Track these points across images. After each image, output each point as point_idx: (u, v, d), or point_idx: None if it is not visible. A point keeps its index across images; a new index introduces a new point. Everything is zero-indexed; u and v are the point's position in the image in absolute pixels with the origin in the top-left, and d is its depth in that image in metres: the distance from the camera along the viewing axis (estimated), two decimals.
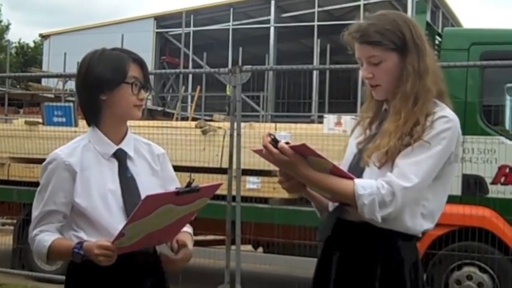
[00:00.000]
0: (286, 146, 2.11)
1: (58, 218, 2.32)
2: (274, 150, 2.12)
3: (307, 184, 2.23)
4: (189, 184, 2.14)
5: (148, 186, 2.29)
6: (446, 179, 2.28)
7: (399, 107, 2.24)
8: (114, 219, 2.25)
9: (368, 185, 2.13)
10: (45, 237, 2.30)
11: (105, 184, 2.29)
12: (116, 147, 2.35)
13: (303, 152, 2.13)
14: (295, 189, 2.28)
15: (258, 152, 2.20)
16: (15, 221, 8.27)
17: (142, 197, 2.21)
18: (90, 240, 2.24)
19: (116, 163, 2.34)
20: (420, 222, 2.23)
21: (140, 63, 2.36)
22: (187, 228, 2.44)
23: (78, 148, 2.34)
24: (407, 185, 2.12)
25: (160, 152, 2.47)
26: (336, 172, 2.17)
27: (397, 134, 2.19)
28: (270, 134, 2.15)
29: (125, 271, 2.27)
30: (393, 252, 2.23)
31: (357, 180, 2.15)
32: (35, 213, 2.35)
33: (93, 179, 2.29)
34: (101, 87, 2.31)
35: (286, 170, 2.19)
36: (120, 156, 2.35)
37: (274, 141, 2.13)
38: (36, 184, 7.97)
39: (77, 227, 2.30)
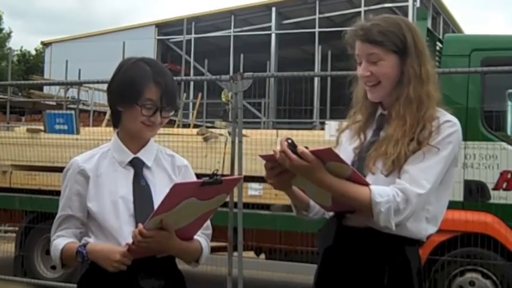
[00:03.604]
0: (307, 151, 2.08)
1: (75, 223, 2.34)
2: (293, 156, 2.07)
3: (322, 188, 2.17)
4: (212, 175, 2.13)
5: (163, 195, 2.27)
6: (448, 182, 2.30)
7: (403, 112, 2.25)
8: (122, 226, 2.26)
9: (385, 193, 2.12)
10: (59, 241, 2.34)
11: (118, 191, 2.30)
12: (132, 156, 2.36)
13: (324, 156, 2.10)
14: (281, 187, 2.26)
15: (267, 157, 2.17)
16: (17, 229, 8.27)
17: (156, 205, 2.21)
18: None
19: (131, 171, 2.35)
20: (425, 227, 2.25)
21: (162, 84, 2.30)
22: (201, 238, 2.40)
23: (96, 155, 2.38)
24: (422, 191, 2.14)
25: (182, 164, 2.46)
26: (355, 178, 2.15)
27: (405, 141, 2.20)
28: (288, 139, 2.10)
29: (138, 275, 2.26)
30: (400, 257, 2.23)
31: (373, 187, 2.13)
32: (55, 219, 2.39)
33: (106, 185, 2.31)
34: (117, 100, 2.34)
35: (301, 175, 2.14)
36: (136, 165, 2.36)
37: (292, 146, 2.09)
38: (38, 192, 7.87)
39: (91, 233, 2.32)
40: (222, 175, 2.20)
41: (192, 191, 2.12)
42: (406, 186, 2.13)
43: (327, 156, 2.11)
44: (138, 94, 2.28)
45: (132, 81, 2.29)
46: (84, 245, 2.26)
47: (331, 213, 2.35)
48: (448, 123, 2.23)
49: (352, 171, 2.13)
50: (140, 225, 2.15)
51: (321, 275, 2.36)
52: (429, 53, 2.33)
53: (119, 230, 2.26)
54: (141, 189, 2.32)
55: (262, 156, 2.20)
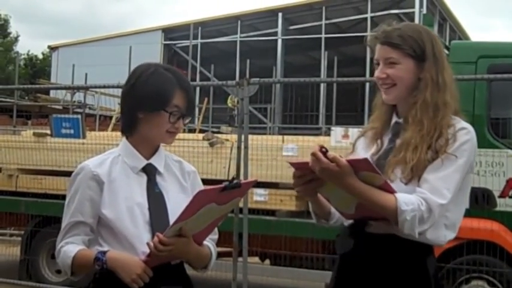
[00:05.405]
0: (338, 157, 2.10)
1: (85, 230, 2.29)
2: (325, 159, 2.09)
3: (350, 193, 2.18)
4: (232, 180, 2.17)
5: (176, 202, 2.26)
6: (465, 189, 2.32)
7: (420, 116, 2.27)
8: (139, 233, 2.23)
9: (410, 202, 2.15)
10: (70, 248, 2.27)
11: (133, 197, 2.27)
12: (145, 162, 2.34)
13: (358, 166, 2.12)
14: (308, 194, 2.29)
15: (297, 165, 2.18)
16: (22, 232, 8.29)
17: (170, 212, 2.22)
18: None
19: (144, 177, 2.33)
20: (444, 233, 2.28)
21: (187, 91, 2.32)
22: (209, 244, 2.40)
23: (107, 160, 2.33)
24: (443, 202, 2.16)
25: (191, 170, 2.45)
26: (385, 188, 2.16)
27: (423, 147, 2.21)
28: (322, 146, 2.12)
29: (158, 282, 2.24)
30: (419, 265, 2.26)
31: (398, 195, 2.15)
32: (62, 225, 2.33)
33: (121, 191, 2.27)
34: (140, 106, 2.29)
35: (330, 180, 2.15)
36: (150, 171, 2.34)
37: (324, 151, 2.11)
38: (44, 195, 7.86)
39: (103, 240, 2.27)
40: (233, 178, 2.22)
41: (213, 197, 2.14)
42: (428, 196, 2.16)
43: (361, 166, 2.12)
44: (167, 101, 2.27)
45: (160, 88, 2.27)
46: (104, 252, 2.20)
47: (350, 221, 2.36)
48: (464, 131, 2.26)
49: (384, 182, 2.15)
50: (159, 235, 2.12)
51: (338, 279, 2.39)
52: (447, 63, 2.36)
53: (139, 237, 2.22)
54: (155, 196, 2.30)
55: (293, 164, 2.21)
